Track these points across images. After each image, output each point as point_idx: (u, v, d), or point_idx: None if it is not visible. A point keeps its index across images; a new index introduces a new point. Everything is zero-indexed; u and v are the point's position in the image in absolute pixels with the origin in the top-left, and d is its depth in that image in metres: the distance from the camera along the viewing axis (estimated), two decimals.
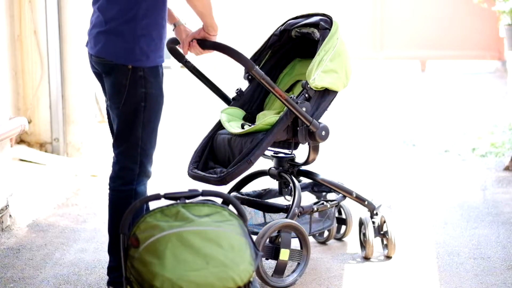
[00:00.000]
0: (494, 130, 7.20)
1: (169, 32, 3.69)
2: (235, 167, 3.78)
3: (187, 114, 8.41)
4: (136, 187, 3.53)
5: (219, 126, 4.11)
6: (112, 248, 3.61)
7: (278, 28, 4.13)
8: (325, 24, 3.94)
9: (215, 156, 4.01)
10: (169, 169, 6.14)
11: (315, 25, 3.99)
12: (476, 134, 7.10)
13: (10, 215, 4.70)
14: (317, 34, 3.99)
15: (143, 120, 3.48)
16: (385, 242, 4.23)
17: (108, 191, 3.64)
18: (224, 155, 3.96)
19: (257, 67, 3.71)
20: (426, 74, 11.32)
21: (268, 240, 3.79)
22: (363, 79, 10.79)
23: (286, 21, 4.12)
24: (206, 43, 3.76)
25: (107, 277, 3.69)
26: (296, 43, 4.17)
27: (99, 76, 3.63)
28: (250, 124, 4.02)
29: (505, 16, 7.34)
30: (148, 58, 3.43)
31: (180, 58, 3.98)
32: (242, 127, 3.99)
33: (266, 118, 3.90)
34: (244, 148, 3.85)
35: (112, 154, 3.76)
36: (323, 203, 4.05)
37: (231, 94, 4.23)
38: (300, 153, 4.12)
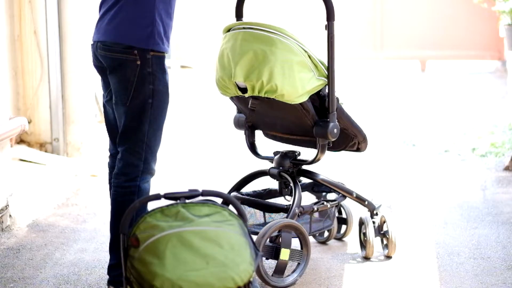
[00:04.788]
0: (494, 130, 7.20)
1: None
2: None
3: (187, 114, 8.41)
4: (140, 183, 3.54)
5: None
6: (114, 246, 3.61)
7: None
8: None
9: None
10: (169, 169, 6.15)
11: None
12: (476, 134, 7.10)
13: (10, 215, 4.70)
14: None
15: (150, 117, 3.50)
16: (385, 242, 4.23)
17: (110, 188, 3.64)
18: None
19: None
20: (426, 74, 11.31)
21: (268, 239, 3.79)
22: (363, 79, 10.79)
23: None
24: None
25: (107, 277, 3.70)
26: None
27: (102, 70, 3.62)
28: None
29: (505, 16, 7.33)
30: (163, 43, 3.48)
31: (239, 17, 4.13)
32: None
33: None
34: None
35: (108, 153, 3.77)
36: (323, 203, 4.06)
37: None
38: (302, 153, 4.12)
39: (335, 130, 3.87)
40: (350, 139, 4.07)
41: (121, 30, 3.48)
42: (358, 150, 4.12)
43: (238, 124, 4.20)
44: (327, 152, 4.01)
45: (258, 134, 4.25)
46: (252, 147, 4.21)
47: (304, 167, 4.09)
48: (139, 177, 3.54)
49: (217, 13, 11.45)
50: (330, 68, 3.83)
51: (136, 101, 3.48)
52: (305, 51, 3.79)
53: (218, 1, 11.48)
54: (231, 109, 4.27)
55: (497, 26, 10.31)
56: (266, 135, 4.27)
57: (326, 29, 3.84)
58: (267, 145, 4.64)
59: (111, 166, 3.75)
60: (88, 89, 6.02)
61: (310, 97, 3.83)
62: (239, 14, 4.16)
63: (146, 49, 3.45)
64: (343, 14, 11.62)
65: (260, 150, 4.23)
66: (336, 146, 4.11)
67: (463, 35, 11.45)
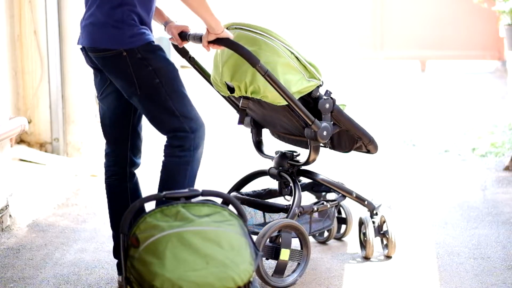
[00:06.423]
0: (494, 130, 7.20)
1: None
2: None
3: None
4: (194, 152, 3.56)
5: None
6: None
7: None
8: None
9: None
10: None
11: None
12: (476, 134, 7.10)
13: (10, 215, 4.70)
14: None
15: (167, 94, 3.49)
16: (385, 242, 4.23)
17: (106, 188, 3.66)
18: None
19: (262, 62, 3.69)
20: (426, 74, 11.32)
21: (268, 240, 3.79)
22: (363, 79, 10.80)
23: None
24: (221, 42, 3.70)
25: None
26: None
27: (97, 69, 3.63)
28: None
29: (505, 16, 7.33)
30: (140, 37, 3.46)
31: (184, 54, 4.01)
32: None
33: None
34: None
35: (104, 152, 3.77)
36: (323, 203, 4.05)
37: None
38: (302, 153, 4.13)
39: (324, 132, 3.86)
40: (355, 141, 4.05)
41: (94, 34, 3.49)
42: (368, 152, 4.11)
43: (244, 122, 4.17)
44: (328, 152, 4.00)
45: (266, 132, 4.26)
46: (258, 145, 4.21)
47: (303, 167, 4.09)
48: (192, 146, 3.55)
49: (216, 13, 11.45)
50: (285, 94, 3.72)
51: (145, 87, 3.48)
52: (292, 52, 3.78)
53: (217, 1, 11.48)
54: (231, 110, 4.27)
55: (497, 26, 10.32)
56: (272, 134, 4.27)
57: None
58: (275, 144, 4.64)
59: (107, 166, 3.75)
60: (88, 89, 6.02)
61: (301, 99, 3.82)
62: (181, 52, 4.06)
63: (119, 52, 3.46)
64: (343, 14, 11.62)
65: (266, 149, 4.22)
66: (342, 148, 4.09)
67: (463, 35, 11.45)
